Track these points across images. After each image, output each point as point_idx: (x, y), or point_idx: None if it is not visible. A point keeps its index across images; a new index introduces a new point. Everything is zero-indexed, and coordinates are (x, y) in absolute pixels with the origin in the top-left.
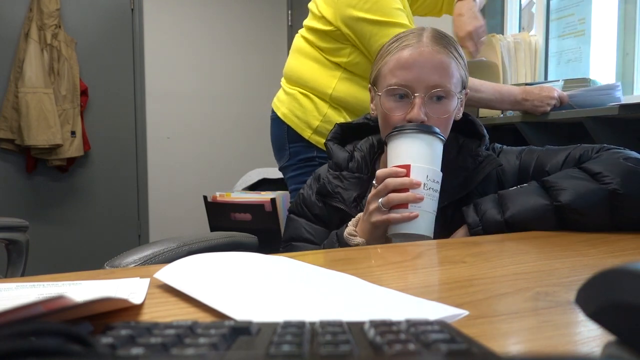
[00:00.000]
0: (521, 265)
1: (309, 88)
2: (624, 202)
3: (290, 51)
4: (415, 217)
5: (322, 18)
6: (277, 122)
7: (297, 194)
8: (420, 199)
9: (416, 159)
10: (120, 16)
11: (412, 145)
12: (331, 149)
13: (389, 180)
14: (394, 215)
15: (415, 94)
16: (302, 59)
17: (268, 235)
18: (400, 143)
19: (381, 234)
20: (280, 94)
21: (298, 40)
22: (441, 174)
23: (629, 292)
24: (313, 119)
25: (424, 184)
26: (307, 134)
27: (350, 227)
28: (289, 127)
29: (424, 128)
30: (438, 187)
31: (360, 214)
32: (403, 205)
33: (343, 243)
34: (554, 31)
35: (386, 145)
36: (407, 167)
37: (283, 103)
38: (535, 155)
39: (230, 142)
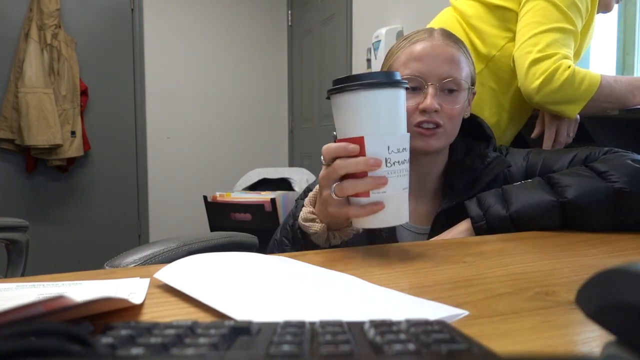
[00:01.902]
0: (521, 265)
1: None
2: (629, 201)
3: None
4: (380, 209)
5: None
6: None
7: (305, 188)
8: (383, 184)
9: (371, 125)
10: (120, 16)
11: (363, 106)
12: None
13: (339, 163)
14: (353, 210)
15: (429, 83)
16: None
17: (268, 235)
18: (346, 102)
19: (343, 222)
20: None
21: (446, 14)
22: (408, 135)
23: (629, 292)
24: None
25: (386, 159)
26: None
27: (307, 209)
28: None
29: (376, 79)
30: (406, 155)
31: (316, 189)
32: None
33: (298, 229)
34: None
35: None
36: (360, 140)
37: None
38: (541, 157)
39: (230, 142)
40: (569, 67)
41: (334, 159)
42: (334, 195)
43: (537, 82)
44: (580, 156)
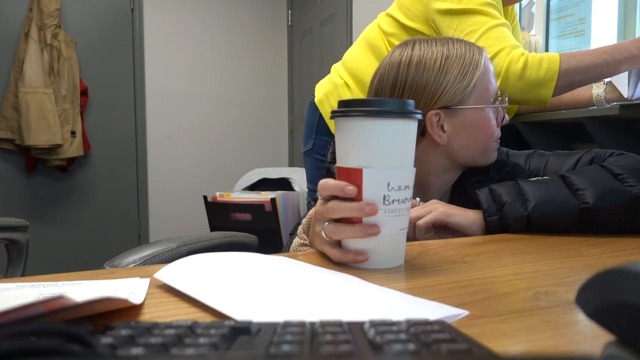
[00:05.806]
0: (521, 265)
1: (358, 79)
2: None
3: (358, 38)
4: (362, 260)
5: (409, 11)
6: (312, 107)
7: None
8: (374, 234)
9: (374, 157)
10: (120, 16)
11: (369, 135)
12: None
13: (333, 206)
14: (336, 255)
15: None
16: (365, 50)
17: (268, 235)
18: (350, 128)
19: None
20: (325, 78)
21: (371, 28)
22: (413, 171)
23: (629, 292)
24: None
25: (384, 197)
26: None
27: (298, 240)
28: (321, 115)
29: (387, 106)
30: (408, 193)
31: (310, 214)
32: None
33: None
34: (554, 31)
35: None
36: (358, 172)
37: (323, 88)
38: (544, 160)
39: (230, 142)
40: (522, 54)
41: (331, 197)
42: (323, 234)
43: (498, 81)
44: (585, 159)
